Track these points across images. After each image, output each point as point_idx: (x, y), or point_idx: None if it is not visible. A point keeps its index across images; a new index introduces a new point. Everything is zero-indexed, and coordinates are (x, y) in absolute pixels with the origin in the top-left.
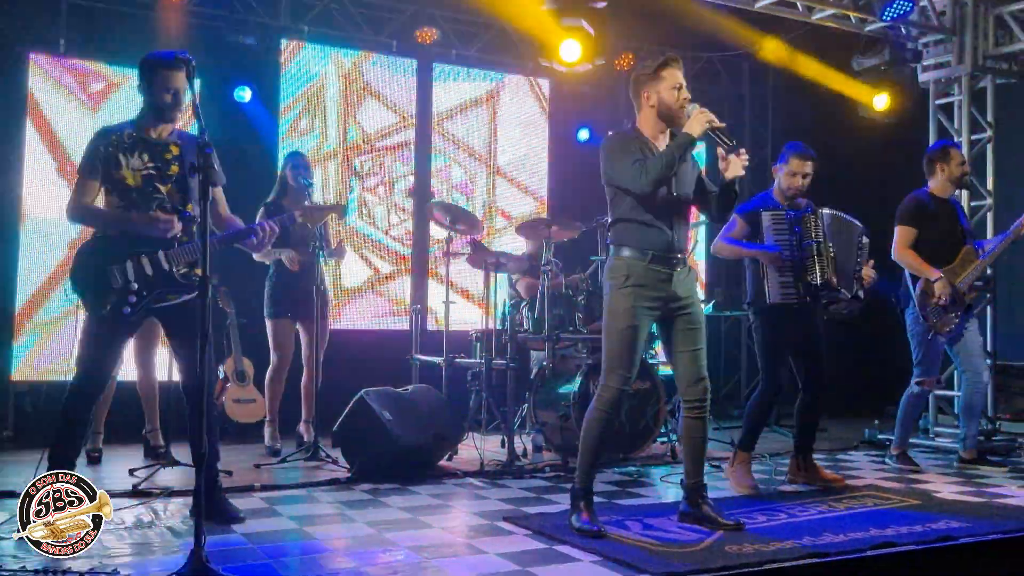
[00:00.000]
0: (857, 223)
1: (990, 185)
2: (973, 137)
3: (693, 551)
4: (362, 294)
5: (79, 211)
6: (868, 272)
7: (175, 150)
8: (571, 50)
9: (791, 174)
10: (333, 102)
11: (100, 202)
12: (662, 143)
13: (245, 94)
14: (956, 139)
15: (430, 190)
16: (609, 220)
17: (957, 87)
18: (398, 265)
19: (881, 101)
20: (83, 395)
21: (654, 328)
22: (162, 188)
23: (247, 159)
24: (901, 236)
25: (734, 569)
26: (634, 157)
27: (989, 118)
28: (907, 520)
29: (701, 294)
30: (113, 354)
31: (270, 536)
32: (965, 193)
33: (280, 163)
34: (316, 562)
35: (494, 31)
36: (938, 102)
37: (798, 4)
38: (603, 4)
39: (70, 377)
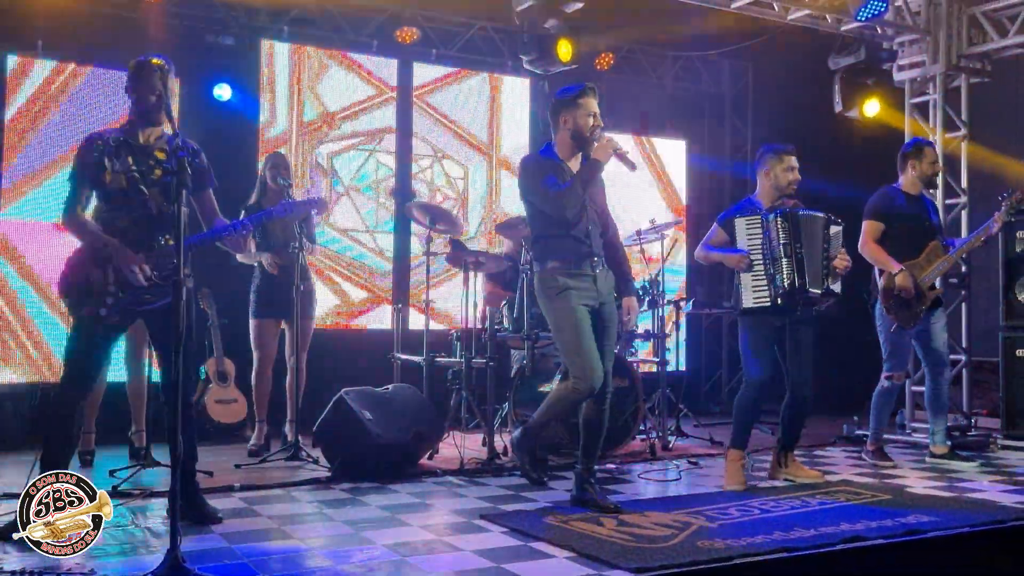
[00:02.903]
0: (820, 215)
1: (964, 183)
2: (948, 135)
3: (665, 546)
4: (343, 291)
5: (69, 220)
6: (841, 261)
7: (160, 155)
8: (565, 51)
9: (788, 169)
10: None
11: (92, 206)
12: (574, 165)
13: (224, 91)
14: (931, 137)
15: (411, 190)
16: (531, 236)
17: (932, 86)
18: (380, 261)
19: (872, 108)
20: (68, 397)
21: None
22: (146, 191)
23: (227, 159)
24: (867, 230)
25: (705, 564)
26: (550, 182)
27: (964, 117)
28: (877, 515)
29: (682, 291)
30: (97, 357)
31: (248, 536)
32: (940, 190)
33: (260, 163)
34: (293, 561)
35: (474, 31)
36: (913, 101)
37: (774, 4)
38: (579, 5)
39: (53, 380)
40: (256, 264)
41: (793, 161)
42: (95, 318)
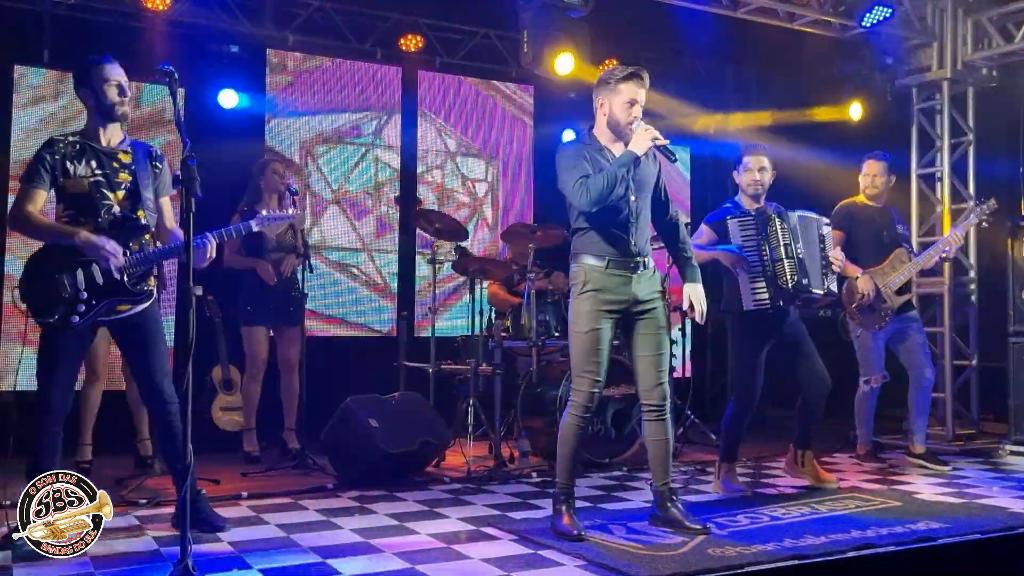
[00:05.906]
0: (813, 215)
1: (971, 188)
2: (954, 141)
3: (675, 554)
4: (346, 303)
5: (21, 219)
6: (836, 255)
7: (125, 158)
8: (564, 63)
9: (748, 170)
10: None
11: (50, 210)
12: (617, 150)
13: (228, 98)
14: (937, 143)
15: (416, 196)
16: (570, 227)
17: (938, 92)
18: (380, 280)
19: (855, 111)
20: (48, 411)
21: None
22: (111, 195)
23: (232, 168)
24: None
25: (716, 571)
26: (581, 172)
27: (970, 122)
28: (888, 521)
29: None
30: (70, 366)
31: (257, 544)
32: (947, 195)
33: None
34: (302, 569)
35: (478, 38)
36: (919, 107)
37: (779, 10)
38: (583, 13)
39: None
40: (248, 270)
41: (760, 162)
42: (67, 327)
